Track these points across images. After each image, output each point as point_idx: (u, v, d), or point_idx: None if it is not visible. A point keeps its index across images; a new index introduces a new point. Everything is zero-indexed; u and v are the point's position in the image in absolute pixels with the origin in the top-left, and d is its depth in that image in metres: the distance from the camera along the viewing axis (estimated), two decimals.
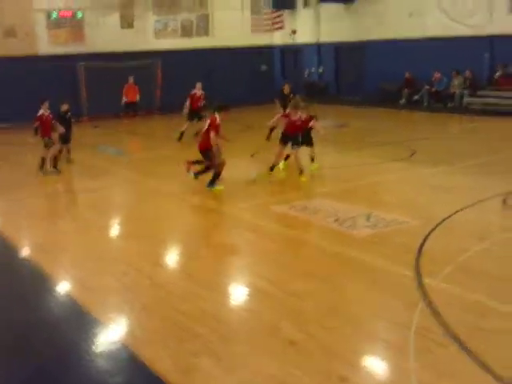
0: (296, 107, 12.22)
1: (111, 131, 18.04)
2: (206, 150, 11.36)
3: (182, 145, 17.04)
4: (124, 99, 22.58)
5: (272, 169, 12.33)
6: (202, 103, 17.77)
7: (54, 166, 13.80)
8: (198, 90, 18.07)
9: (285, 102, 15.65)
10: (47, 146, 13.67)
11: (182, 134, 17.44)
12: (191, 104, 17.64)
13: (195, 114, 17.59)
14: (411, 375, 5.01)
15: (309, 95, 28.61)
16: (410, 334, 5.63)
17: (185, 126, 17.57)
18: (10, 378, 5.29)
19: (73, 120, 14.65)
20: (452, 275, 7.00)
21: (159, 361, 5.35)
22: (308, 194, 11.43)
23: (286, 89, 16.57)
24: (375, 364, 5.32)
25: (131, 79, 22.99)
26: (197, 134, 15.17)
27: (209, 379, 5.06)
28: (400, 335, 5.66)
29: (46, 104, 13.72)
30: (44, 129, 13.65)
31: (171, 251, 8.87)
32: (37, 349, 5.81)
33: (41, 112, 13.66)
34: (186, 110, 17.56)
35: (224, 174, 11.59)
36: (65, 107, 14.33)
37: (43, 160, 13.68)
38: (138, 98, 23.15)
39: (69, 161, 14.65)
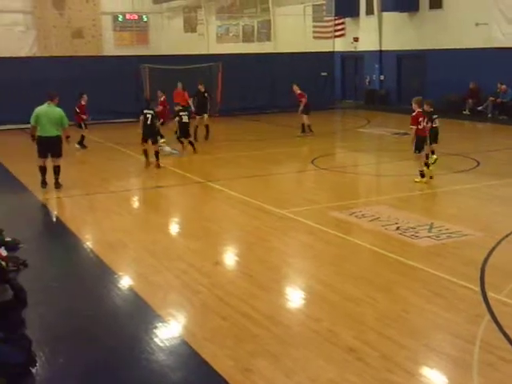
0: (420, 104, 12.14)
1: (170, 131, 18.28)
2: None
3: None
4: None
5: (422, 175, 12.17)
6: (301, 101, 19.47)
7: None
8: (295, 90, 19.79)
9: None
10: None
11: (303, 125, 19.51)
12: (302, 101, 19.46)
13: (307, 109, 19.44)
14: None
15: (369, 103, 28.49)
16: (474, 348, 5.49)
17: (304, 119, 19.49)
18: (73, 367, 5.42)
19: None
20: None
21: (218, 359, 5.39)
22: (367, 201, 11.33)
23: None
24: (436, 377, 5.21)
25: (180, 85, 23.24)
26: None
27: (268, 381, 5.06)
28: (463, 349, 5.53)
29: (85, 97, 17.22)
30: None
31: (230, 252, 8.94)
32: (100, 340, 5.96)
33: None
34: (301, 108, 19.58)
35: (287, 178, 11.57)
36: None
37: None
38: (188, 102, 23.40)
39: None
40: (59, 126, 12.07)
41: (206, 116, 18.92)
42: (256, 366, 5.28)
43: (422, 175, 12.00)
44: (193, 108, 19.07)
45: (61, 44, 24.40)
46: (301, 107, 19.42)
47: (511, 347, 5.48)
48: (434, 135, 13.22)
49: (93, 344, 5.88)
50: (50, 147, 12.17)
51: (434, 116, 13.27)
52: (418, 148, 12.06)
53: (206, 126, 18.88)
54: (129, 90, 23.20)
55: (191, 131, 16.93)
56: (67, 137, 12.42)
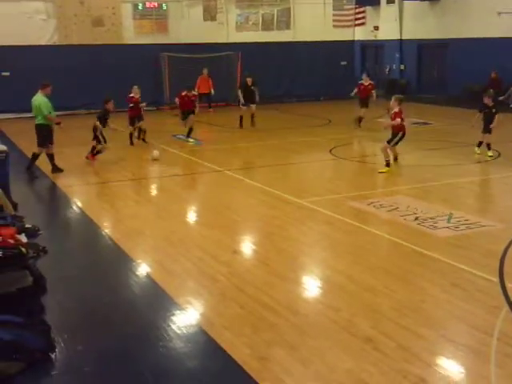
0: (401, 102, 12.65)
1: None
2: None
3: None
4: (196, 91, 22.69)
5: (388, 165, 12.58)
6: (372, 93, 18.72)
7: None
8: (365, 81, 18.93)
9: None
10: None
11: (359, 118, 18.86)
12: (360, 93, 18.82)
13: (363, 102, 18.70)
14: (491, 382, 4.85)
15: (389, 92, 28.25)
16: (492, 339, 5.46)
17: (362, 111, 18.88)
18: (91, 353, 5.47)
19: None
20: None
21: (235, 347, 5.41)
22: (386, 191, 11.27)
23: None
24: (453, 367, 5.18)
25: (205, 71, 23.22)
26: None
27: (285, 369, 5.07)
28: (481, 340, 5.49)
29: (136, 89, 16.55)
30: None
31: (248, 241, 8.94)
32: (118, 327, 6.01)
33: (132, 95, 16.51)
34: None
35: (306, 167, 11.54)
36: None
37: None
38: (211, 90, 23.36)
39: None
40: (41, 115, 12.59)
41: (253, 106, 19.05)
42: (273, 355, 5.29)
43: (388, 164, 12.49)
44: (241, 99, 19.12)
45: (81, 32, 24.45)
46: (373, 97, 18.72)
47: None
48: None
49: (110, 331, 5.93)
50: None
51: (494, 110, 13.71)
52: (397, 142, 12.56)
53: (252, 115, 19.02)
54: (148, 79, 23.23)
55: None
56: (57, 123, 12.78)
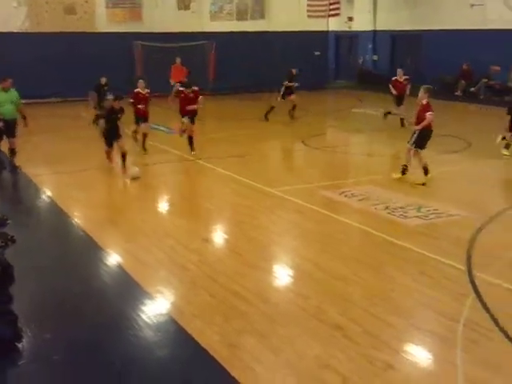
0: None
1: (162, 110, 18.18)
2: None
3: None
4: (171, 81, 22.16)
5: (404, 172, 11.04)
6: (407, 88, 17.44)
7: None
8: (399, 77, 17.84)
9: None
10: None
11: (387, 113, 18.07)
12: (396, 89, 17.49)
13: (400, 99, 17.42)
14: (457, 367, 4.94)
15: (362, 83, 28.39)
16: (459, 326, 5.55)
17: (394, 110, 17.76)
18: (59, 342, 5.43)
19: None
20: (503, 270, 6.89)
21: (205, 336, 5.42)
22: (357, 180, 11.33)
23: None
24: (421, 354, 5.27)
25: (178, 60, 22.85)
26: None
27: (255, 358, 5.09)
28: (447, 327, 5.59)
29: (142, 83, 14.00)
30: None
31: (219, 230, 8.94)
32: (88, 316, 5.96)
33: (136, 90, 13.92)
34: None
35: (278, 157, 11.56)
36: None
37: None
38: (185, 79, 22.98)
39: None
40: None
41: (294, 96, 18.46)
42: (243, 343, 5.31)
43: (426, 170, 10.78)
44: (283, 91, 18.41)
45: (53, 20, 24.06)
46: (407, 92, 17.23)
47: (495, 325, 5.54)
48: None
49: (80, 320, 5.89)
50: None
51: None
52: (422, 145, 10.77)
53: (294, 106, 18.49)
54: (122, 68, 23.00)
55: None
56: None
